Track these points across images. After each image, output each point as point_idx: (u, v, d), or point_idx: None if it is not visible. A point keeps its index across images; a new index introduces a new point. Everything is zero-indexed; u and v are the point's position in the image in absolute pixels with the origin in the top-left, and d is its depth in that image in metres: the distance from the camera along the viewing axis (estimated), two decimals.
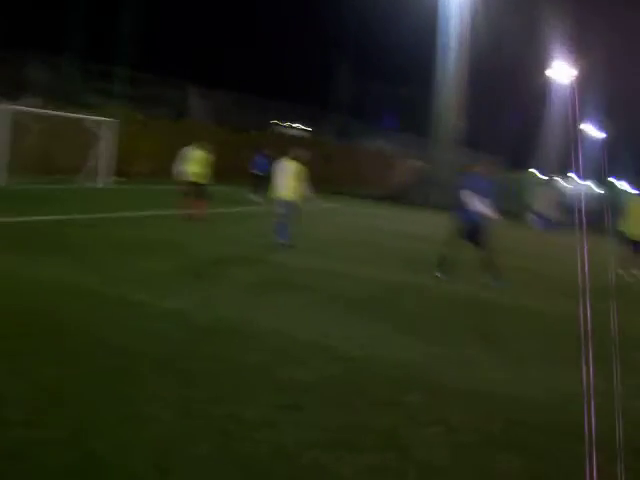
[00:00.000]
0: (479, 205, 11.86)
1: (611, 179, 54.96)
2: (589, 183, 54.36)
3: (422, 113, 38.35)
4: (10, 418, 4.77)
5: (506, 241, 12.39)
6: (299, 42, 54.87)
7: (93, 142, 26.24)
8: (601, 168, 51.21)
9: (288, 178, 14.24)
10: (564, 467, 5.04)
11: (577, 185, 42.75)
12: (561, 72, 47.92)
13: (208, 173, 17.57)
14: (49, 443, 4.47)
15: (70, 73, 32.55)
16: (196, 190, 17.22)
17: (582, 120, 56.94)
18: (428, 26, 36.87)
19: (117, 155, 26.83)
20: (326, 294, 10.17)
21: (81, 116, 26.02)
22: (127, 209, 18.82)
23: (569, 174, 47.17)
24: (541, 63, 48.59)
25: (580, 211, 26.26)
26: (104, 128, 26.37)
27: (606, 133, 68.66)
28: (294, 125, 51.65)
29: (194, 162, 17.35)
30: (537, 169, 50.33)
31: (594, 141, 65.86)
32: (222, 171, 18.35)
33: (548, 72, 48.97)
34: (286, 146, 15.79)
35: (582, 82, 46.41)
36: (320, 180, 16.09)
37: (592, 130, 66.71)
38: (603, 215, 26.45)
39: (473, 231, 12.00)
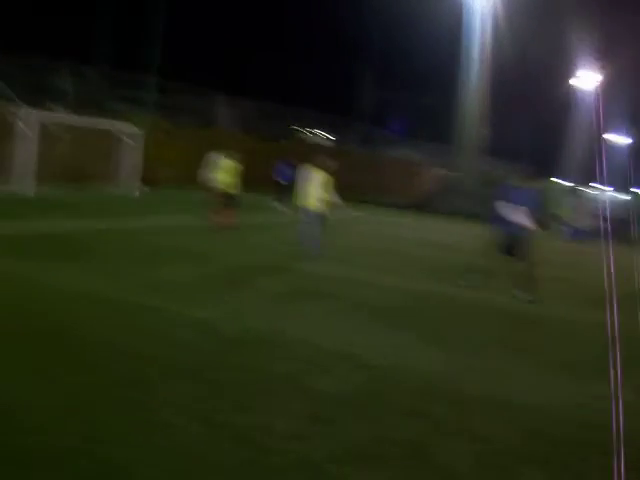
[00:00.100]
0: (519, 217, 11.71)
1: (634, 189, 54.34)
2: (614, 191, 53.92)
3: (446, 121, 38.29)
4: (28, 425, 4.83)
5: (540, 251, 12.28)
6: (324, 51, 55.03)
7: (120, 150, 26.47)
8: (626, 176, 50.71)
9: (313, 187, 14.20)
10: None
11: (603, 193, 42.42)
12: (586, 79, 47.62)
13: (238, 182, 17.67)
14: (63, 451, 4.51)
15: (98, 81, 32.84)
16: (225, 199, 17.30)
17: (607, 128, 56.49)
18: (451, 35, 36.88)
19: (144, 163, 27.00)
20: (351, 303, 10.19)
21: (108, 124, 26.24)
22: (154, 217, 18.96)
23: (594, 183, 46.82)
24: (565, 71, 48.36)
25: (608, 220, 26.02)
26: (131, 136, 26.58)
27: (632, 140, 68.01)
28: (318, 133, 51.69)
29: (223, 171, 17.43)
30: (560, 177, 49.98)
31: (619, 149, 65.27)
32: (248, 179, 18.43)
33: (572, 80, 48.69)
34: (310, 154, 15.83)
35: (607, 89, 46.08)
36: (344, 188, 16.08)
37: (617, 138, 66.13)
38: (629, 224, 26.20)
39: (512, 243, 11.84)
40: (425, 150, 51.64)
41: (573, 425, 6.06)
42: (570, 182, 45.19)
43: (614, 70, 46.11)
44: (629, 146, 67.72)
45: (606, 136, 60.31)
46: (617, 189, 54.66)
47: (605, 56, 44.71)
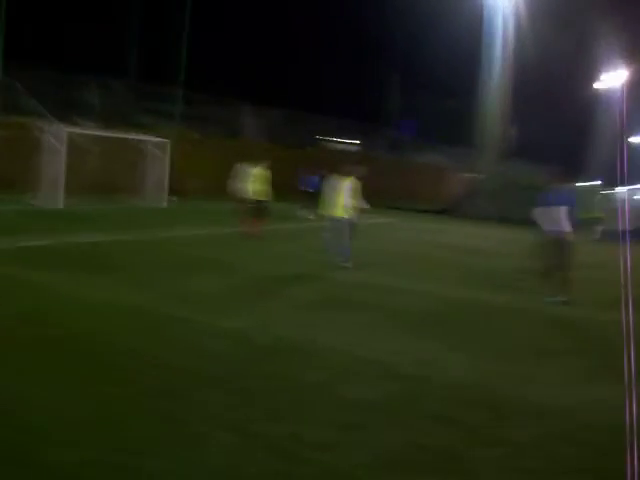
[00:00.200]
0: (559, 219, 11.58)
1: None
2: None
3: (472, 124, 38.10)
4: (59, 438, 4.83)
5: (576, 253, 12.10)
6: (348, 56, 54.94)
7: (148, 162, 26.66)
8: None
9: (340, 195, 14.08)
10: None
11: (635, 193, 41.82)
12: (611, 80, 47.13)
13: (268, 190, 17.68)
14: (95, 463, 4.50)
15: (124, 94, 33.14)
16: (255, 208, 17.32)
17: (634, 128, 55.78)
18: (474, 38, 36.75)
19: (171, 174, 27.17)
20: (383, 310, 10.11)
21: (135, 136, 26.46)
22: (183, 228, 19.02)
23: (623, 184, 46.21)
24: (591, 70, 47.88)
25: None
26: (158, 148, 26.76)
27: None
28: (345, 140, 51.70)
29: (254, 180, 17.46)
30: (588, 179, 49.43)
31: None
32: (275, 188, 18.43)
33: (598, 81, 48.21)
34: (337, 162, 15.78)
35: (634, 89, 45.53)
36: (372, 194, 16.02)
37: None
38: None
39: (556, 247, 11.71)
40: (452, 154, 51.43)
41: (605, 430, 5.94)
42: (598, 182, 44.66)
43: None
44: None
45: (636, 135, 59.55)
46: None
47: (632, 55, 44.21)
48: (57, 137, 22.55)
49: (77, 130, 23.97)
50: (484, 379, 7.09)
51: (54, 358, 6.54)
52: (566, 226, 11.61)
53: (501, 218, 31.55)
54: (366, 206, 14.62)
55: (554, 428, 5.86)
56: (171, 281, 10.99)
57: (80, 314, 8.31)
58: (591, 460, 5.29)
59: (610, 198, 32.47)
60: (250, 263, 13.68)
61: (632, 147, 56.26)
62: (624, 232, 24.87)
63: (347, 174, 14.23)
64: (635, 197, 39.22)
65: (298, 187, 26.88)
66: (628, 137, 51.08)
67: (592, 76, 47.70)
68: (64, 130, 22.82)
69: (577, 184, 43.02)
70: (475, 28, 36.31)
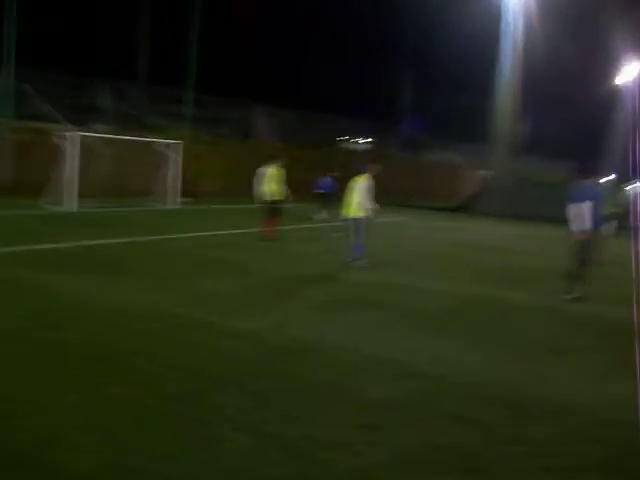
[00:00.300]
0: (585, 218, 11.47)
1: None
2: None
3: (488, 122, 37.95)
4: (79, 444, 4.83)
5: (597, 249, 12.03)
6: (361, 56, 54.86)
7: (161, 164, 26.73)
8: None
9: (355, 195, 14.05)
10: None
11: None
12: (628, 75, 46.84)
13: (284, 189, 17.66)
14: (111, 467, 4.50)
15: (137, 97, 33.25)
16: (272, 208, 17.33)
17: None
18: (487, 35, 36.63)
19: (184, 176, 27.24)
20: (399, 309, 10.09)
21: (148, 139, 26.53)
22: (196, 229, 19.03)
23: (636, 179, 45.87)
24: (605, 67, 47.62)
25: None
26: (171, 150, 26.83)
27: None
28: (358, 139, 51.64)
29: (270, 180, 17.45)
30: (605, 174, 49.08)
31: None
32: (291, 189, 18.39)
33: (615, 76, 47.94)
34: (351, 161, 15.73)
35: None
36: (386, 192, 15.96)
37: None
38: None
39: (585, 244, 11.65)
40: (465, 151, 51.30)
41: (622, 427, 5.90)
42: (616, 177, 44.29)
43: None
44: None
45: None
46: None
47: None
48: (71, 141, 22.65)
49: (90, 134, 24.06)
50: (500, 377, 7.05)
51: (70, 361, 6.55)
52: (589, 223, 11.51)
53: (516, 215, 31.43)
54: (376, 206, 14.57)
55: (571, 426, 5.83)
56: (186, 282, 10.99)
57: (95, 316, 8.33)
58: (608, 457, 5.25)
59: (626, 193, 32.19)
60: (265, 264, 13.67)
61: None
62: (636, 228, 24.66)
63: (361, 172, 14.21)
64: None
65: (313, 190, 26.80)
66: None
67: (606, 71, 47.45)
68: (77, 134, 22.92)
69: (600, 180, 42.70)
70: (488, 24, 36.18)
